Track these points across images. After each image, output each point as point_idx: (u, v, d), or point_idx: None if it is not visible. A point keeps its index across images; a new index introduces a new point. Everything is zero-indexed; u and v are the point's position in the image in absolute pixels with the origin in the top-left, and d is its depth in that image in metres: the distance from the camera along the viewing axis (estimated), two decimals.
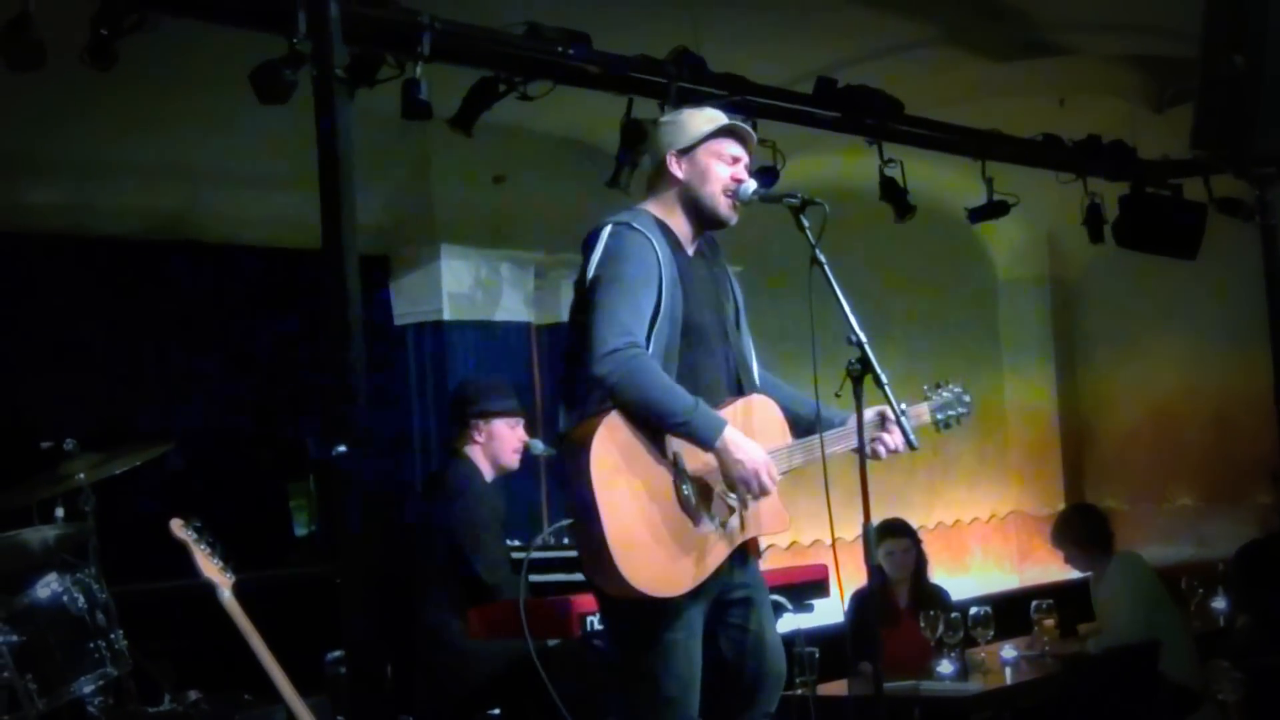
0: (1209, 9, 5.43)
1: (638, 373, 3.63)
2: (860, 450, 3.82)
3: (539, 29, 5.68)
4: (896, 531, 7.02)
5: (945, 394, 4.30)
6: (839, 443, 3.95)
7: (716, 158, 3.95)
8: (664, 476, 3.72)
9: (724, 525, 3.81)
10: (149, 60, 4.85)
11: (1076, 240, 9.01)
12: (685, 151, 3.95)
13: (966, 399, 4.33)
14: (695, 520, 3.75)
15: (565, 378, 3.91)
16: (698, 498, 3.76)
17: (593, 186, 6.50)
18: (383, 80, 5.29)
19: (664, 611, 3.72)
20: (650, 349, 3.71)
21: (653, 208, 3.96)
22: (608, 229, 3.83)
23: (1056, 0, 7.43)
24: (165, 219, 6.72)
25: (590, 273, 3.79)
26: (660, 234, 3.86)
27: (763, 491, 3.75)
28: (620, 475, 3.64)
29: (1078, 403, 11.09)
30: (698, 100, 6.27)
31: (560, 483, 3.75)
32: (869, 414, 3.88)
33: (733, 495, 3.81)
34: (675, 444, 3.74)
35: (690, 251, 3.99)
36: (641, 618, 3.72)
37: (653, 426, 3.69)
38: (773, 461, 3.81)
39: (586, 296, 3.78)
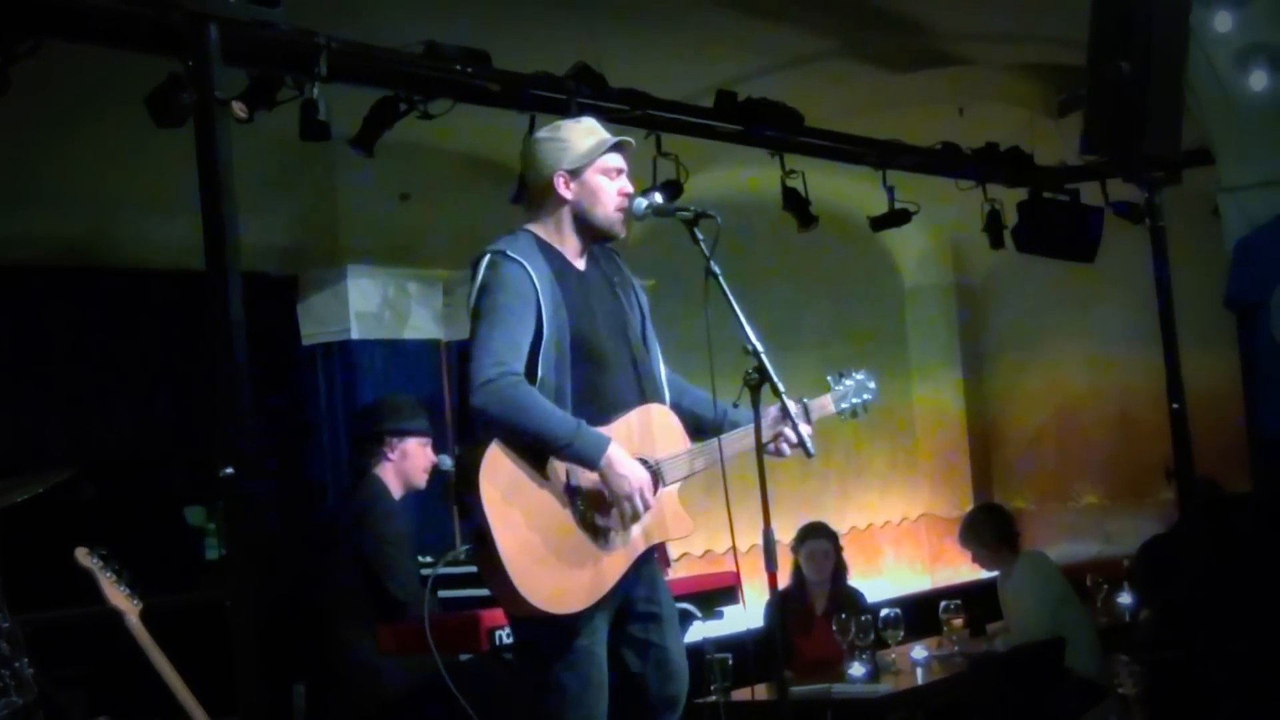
0: (1095, 16, 5.55)
1: (514, 402, 3.66)
2: (759, 453, 3.83)
3: (438, 48, 5.68)
4: (818, 533, 7.08)
5: (848, 382, 4.34)
6: (739, 442, 3.98)
7: (604, 174, 3.97)
8: (554, 496, 3.76)
9: (624, 536, 3.85)
10: (47, 86, 4.81)
11: (979, 246, 9.12)
12: (573, 172, 3.96)
13: (871, 385, 4.38)
14: (592, 535, 3.80)
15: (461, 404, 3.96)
16: (594, 512, 3.80)
17: (498, 202, 6.51)
18: (283, 102, 5.29)
19: (569, 622, 3.75)
20: (539, 375, 3.75)
21: (536, 229, 3.98)
22: (485, 260, 3.85)
23: (953, 12, 7.54)
24: (69, 245, 6.65)
25: (469, 304, 3.84)
26: (541, 257, 3.88)
27: (635, 514, 3.78)
28: (511, 500, 3.69)
29: (984, 406, 11.24)
30: (600, 116, 6.35)
31: (460, 510, 3.77)
32: (772, 410, 3.90)
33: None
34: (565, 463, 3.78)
35: (582, 265, 4.01)
36: (549, 629, 3.75)
37: (537, 452, 3.72)
38: (667, 470, 3.89)
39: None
